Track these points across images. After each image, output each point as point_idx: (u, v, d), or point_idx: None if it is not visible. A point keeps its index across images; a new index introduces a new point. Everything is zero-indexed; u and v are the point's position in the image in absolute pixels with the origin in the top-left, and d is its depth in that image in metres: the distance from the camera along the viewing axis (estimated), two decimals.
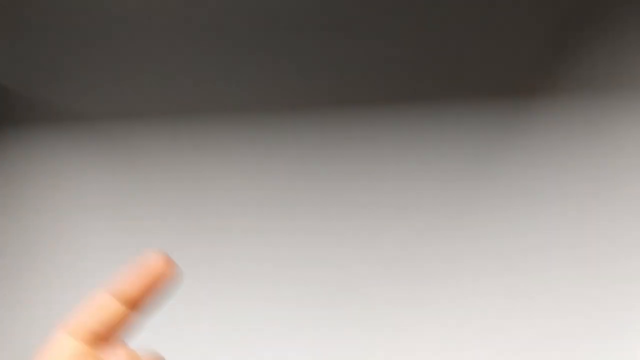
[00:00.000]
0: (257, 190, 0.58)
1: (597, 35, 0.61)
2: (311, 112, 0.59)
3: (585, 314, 0.56)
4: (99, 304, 0.27)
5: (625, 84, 0.60)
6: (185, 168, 0.58)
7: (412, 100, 0.59)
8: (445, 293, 0.58)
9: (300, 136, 0.59)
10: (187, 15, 0.58)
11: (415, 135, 0.59)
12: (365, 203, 0.59)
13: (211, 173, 0.58)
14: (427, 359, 0.58)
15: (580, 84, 0.60)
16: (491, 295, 0.58)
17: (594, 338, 0.56)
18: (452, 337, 0.58)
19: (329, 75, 0.59)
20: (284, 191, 0.58)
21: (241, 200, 0.58)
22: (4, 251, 0.56)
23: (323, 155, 0.59)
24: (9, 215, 0.56)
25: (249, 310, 0.57)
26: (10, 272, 0.56)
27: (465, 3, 0.60)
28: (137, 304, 0.28)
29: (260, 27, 0.58)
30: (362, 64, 0.59)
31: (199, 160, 0.58)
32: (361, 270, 0.58)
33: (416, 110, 0.59)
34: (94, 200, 0.57)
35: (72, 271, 0.57)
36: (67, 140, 0.57)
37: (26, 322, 0.56)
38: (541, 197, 0.59)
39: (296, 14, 0.58)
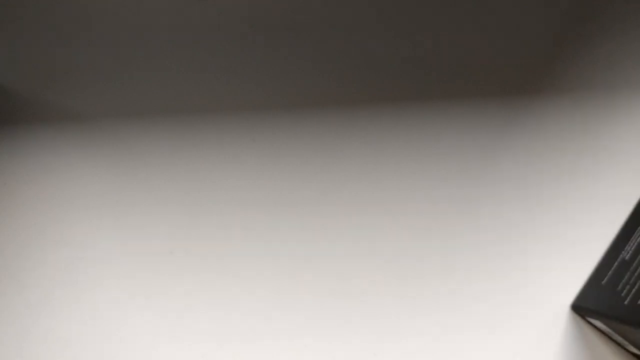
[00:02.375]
0: (257, 190, 0.58)
1: (597, 35, 0.61)
2: (312, 112, 0.59)
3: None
4: None
5: (625, 84, 0.61)
6: (185, 168, 0.58)
7: (412, 100, 0.59)
8: (446, 292, 0.58)
9: (301, 136, 0.59)
10: (187, 15, 0.58)
11: (415, 134, 0.59)
12: (366, 202, 0.59)
13: (211, 173, 0.58)
14: (428, 357, 0.58)
15: (580, 84, 0.60)
16: (493, 294, 0.58)
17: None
18: (452, 336, 0.58)
19: (329, 75, 0.59)
20: (284, 191, 0.58)
21: (241, 199, 0.58)
22: (3, 251, 0.56)
23: (323, 154, 0.59)
24: (8, 215, 0.56)
25: (249, 309, 0.57)
26: (9, 271, 0.56)
27: (464, 3, 0.60)
28: None
29: (260, 27, 0.58)
30: (363, 64, 0.59)
31: (199, 160, 0.58)
32: (362, 269, 0.58)
33: (416, 110, 0.59)
34: (93, 200, 0.57)
35: (72, 270, 0.57)
36: (67, 140, 0.57)
37: (26, 320, 0.56)
38: (541, 197, 0.59)
39: (296, 14, 0.58)
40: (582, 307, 0.54)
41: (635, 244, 0.52)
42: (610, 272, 0.53)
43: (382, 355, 0.58)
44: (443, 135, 0.60)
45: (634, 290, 0.49)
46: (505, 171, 0.59)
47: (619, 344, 0.55)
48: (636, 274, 0.50)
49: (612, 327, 0.52)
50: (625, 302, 0.49)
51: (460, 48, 0.60)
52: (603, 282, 0.53)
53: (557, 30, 0.61)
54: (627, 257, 0.53)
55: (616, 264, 0.53)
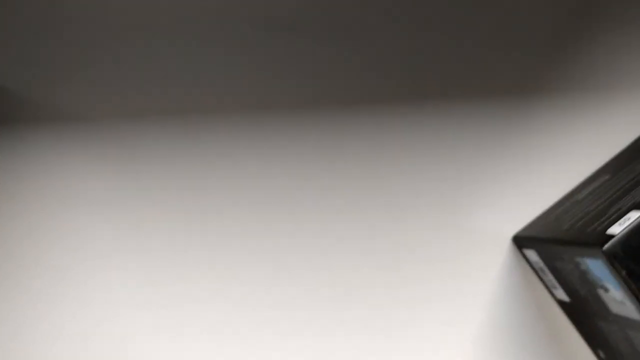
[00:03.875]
0: (257, 190, 0.58)
1: (597, 35, 0.61)
2: (312, 112, 0.59)
3: None
4: None
5: (625, 84, 0.61)
6: (185, 168, 0.58)
7: (411, 100, 0.59)
8: (446, 293, 0.58)
9: (301, 136, 0.59)
10: (187, 15, 0.58)
11: (415, 135, 0.59)
12: (366, 202, 0.59)
13: (211, 173, 0.58)
14: (427, 358, 0.58)
15: (580, 84, 0.60)
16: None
17: None
18: (452, 337, 0.58)
19: (329, 75, 0.59)
20: (284, 190, 0.58)
21: (241, 199, 0.58)
22: (3, 251, 0.56)
23: (323, 155, 0.59)
24: (8, 215, 0.56)
25: (249, 309, 0.57)
26: (9, 271, 0.56)
27: (464, 3, 0.60)
28: None
29: (260, 27, 0.58)
30: (362, 64, 0.59)
31: (199, 160, 0.58)
32: (363, 269, 0.58)
33: (416, 110, 0.59)
34: (93, 200, 0.57)
35: (72, 270, 0.57)
36: (67, 140, 0.57)
37: (24, 320, 0.56)
38: (541, 197, 0.59)
39: (297, 14, 0.58)
40: (522, 237, 0.54)
41: (592, 188, 0.52)
42: (559, 210, 0.53)
43: (382, 355, 0.58)
44: (443, 135, 0.59)
45: (575, 219, 0.48)
46: (505, 170, 0.59)
47: (546, 287, 0.55)
48: (582, 208, 0.49)
49: (544, 258, 0.51)
50: (564, 228, 0.48)
51: (460, 49, 0.60)
52: (549, 217, 0.53)
53: (557, 30, 0.61)
54: (579, 198, 0.52)
55: (568, 204, 0.53)
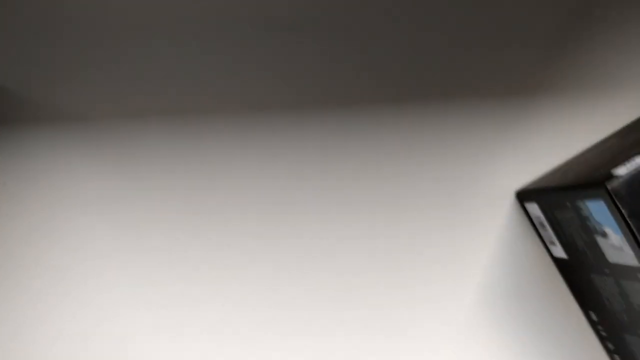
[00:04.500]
0: (257, 190, 0.58)
1: (597, 35, 0.61)
2: (312, 112, 0.59)
3: None
4: None
5: (625, 84, 0.61)
6: (185, 168, 0.58)
7: (411, 101, 0.59)
8: (446, 294, 0.58)
9: (301, 136, 0.59)
10: (187, 15, 0.58)
11: (415, 135, 0.59)
12: (366, 203, 0.59)
13: (211, 173, 0.58)
14: (427, 358, 0.58)
15: (580, 84, 0.60)
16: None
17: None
18: (452, 337, 0.58)
19: (329, 75, 0.59)
20: (284, 190, 0.58)
21: (241, 199, 0.58)
22: (3, 251, 0.56)
23: (324, 155, 0.59)
24: (8, 215, 0.56)
25: (249, 309, 0.57)
26: (9, 272, 0.56)
27: (464, 3, 0.60)
28: None
29: (260, 27, 0.58)
30: (362, 64, 0.59)
31: (199, 160, 0.58)
32: (363, 270, 0.58)
33: (416, 110, 0.59)
34: (93, 201, 0.57)
35: (71, 270, 0.57)
36: (67, 140, 0.57)
37: (24, 319, 0.56)
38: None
39: (297, 14, 0.58)
40: (525, 190, 0.54)
41: (599, 149, 0.52)
42: (565, 167, 0.53)
43: (382, 355, 0.58)
44: (443, 135, 0.60)
45: (580, 170, 0.49)
46: (504, 170, 0.59)
47: (545, 246, 0.55)
48: (588, 163, 0.50)
49: (546, 209, 0.51)
50: (569, 178, 0.49)
51: (460, 49, 0.60)
52: (555, 174, 0.53)
53: (557, 30, 0.61)
54: (587, 157, 0.53)
55: (574, 162, 0.53)
